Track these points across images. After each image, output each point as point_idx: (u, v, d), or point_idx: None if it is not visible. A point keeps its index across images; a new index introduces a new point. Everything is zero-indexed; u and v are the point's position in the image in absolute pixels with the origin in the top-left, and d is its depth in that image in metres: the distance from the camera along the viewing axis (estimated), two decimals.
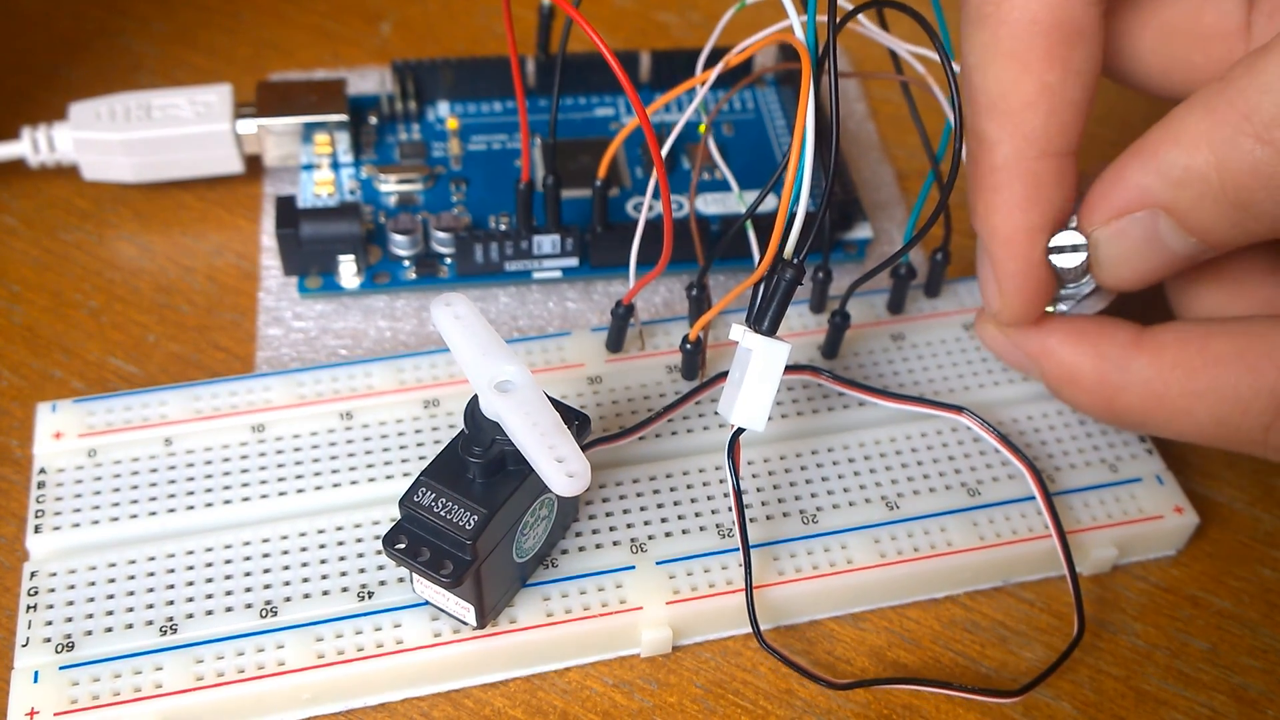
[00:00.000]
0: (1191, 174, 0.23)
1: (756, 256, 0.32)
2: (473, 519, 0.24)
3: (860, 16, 0.29)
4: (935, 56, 0.25)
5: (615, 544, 0.28)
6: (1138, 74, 0.27)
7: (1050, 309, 0.27)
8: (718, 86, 0.37)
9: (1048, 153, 0.25)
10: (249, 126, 0.35)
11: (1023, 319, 0.26)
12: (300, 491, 0.28)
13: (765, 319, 0.25)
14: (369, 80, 0.39)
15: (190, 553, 0.27)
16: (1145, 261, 0.25)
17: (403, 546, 0.24)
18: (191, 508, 0.28)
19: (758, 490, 0.29)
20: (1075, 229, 0.25)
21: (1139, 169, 0.24)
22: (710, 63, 0.31)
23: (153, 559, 0.27)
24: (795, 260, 0.25)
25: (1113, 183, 0.24)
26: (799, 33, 0.24)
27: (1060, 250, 0.26)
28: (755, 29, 0.29)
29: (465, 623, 0.26)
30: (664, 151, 0.27)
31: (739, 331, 0.25)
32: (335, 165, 0.35)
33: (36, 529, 0.27)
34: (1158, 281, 0.26)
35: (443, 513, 0.24)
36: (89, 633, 0.26)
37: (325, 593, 0.26)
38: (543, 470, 0.23)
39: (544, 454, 0.23)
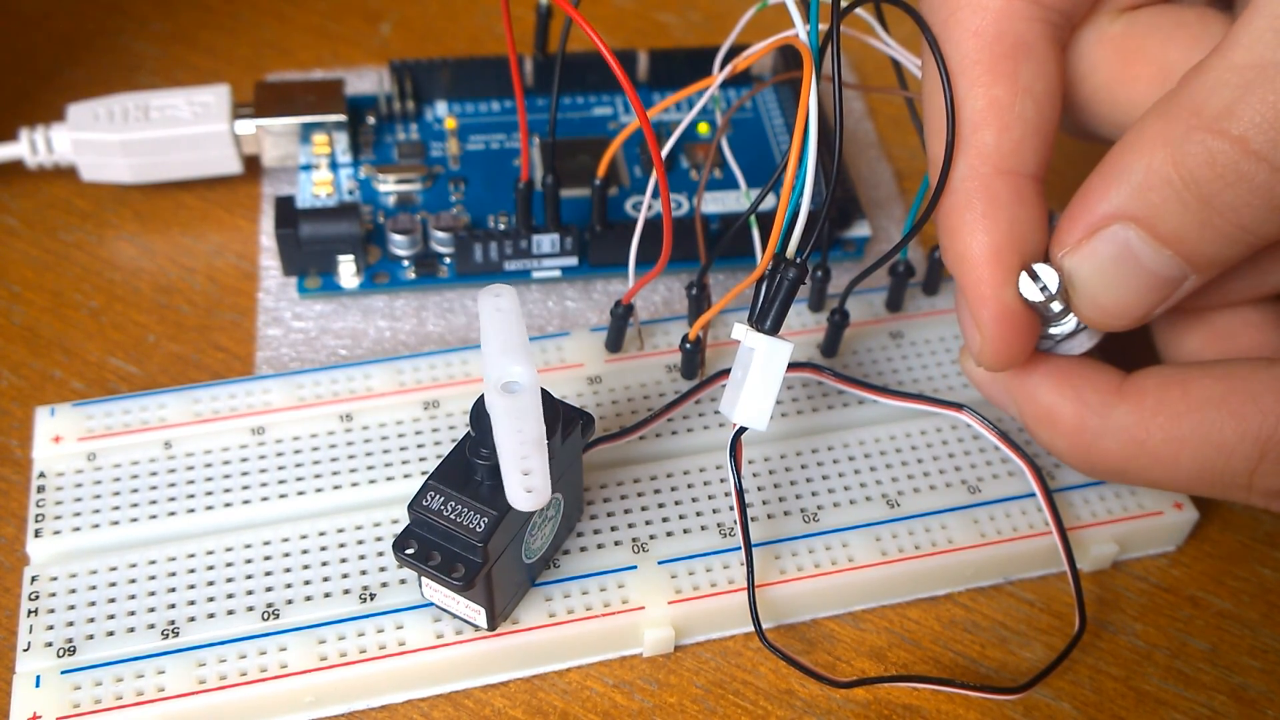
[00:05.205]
0: (1152, 175, 0.22)
1: (760, 256, 0.32)
2: (483, 521, 0.24)
3: (863, 19, 0.29)
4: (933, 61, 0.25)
5: (617, 544, 0.28)
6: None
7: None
8: (725, 86, 0.37)
9: (1002, 170, 0.24)
10: (247, 127, 0.35)
11: (1005, 361, 0.25)
12: (301, 494, 0.28)
13: (768, 318, 0.25)
14: (367, 80, 0.39)
15: (191, 556, 0.27)
16: (1122, 284, 0.24)
17: (413, 551, 0.24)
18: (192, 511, 0.28)
19: (758, 489, 0.29)
20: (1047, 262, 0.25)
21: (1102, 185, 0.23)
22: (720, 62, 0.31)
23: (154, 562, 0.27)
24: (798, 259, 0.25)
25: (1079, 204, 0.24)
26: (803, 36, 0.24)
27: (1030, 281, 0.24)
28: (757, 30, 0.29)
29: (476, 626, 0.26)
30: (664, 152, 0.27)
31: (741, 330, 0.25)
32: (334, 165, 0.35)
33: (37, 533, 0.27)
34: (1143, 313, 0.24)
35: (452, 516, 0.24)
36: (90, 637, 0.26)
37: (327, 595, 0.26)
38: (506, 476, 0.23)
39: (514, 462, 0.23)
